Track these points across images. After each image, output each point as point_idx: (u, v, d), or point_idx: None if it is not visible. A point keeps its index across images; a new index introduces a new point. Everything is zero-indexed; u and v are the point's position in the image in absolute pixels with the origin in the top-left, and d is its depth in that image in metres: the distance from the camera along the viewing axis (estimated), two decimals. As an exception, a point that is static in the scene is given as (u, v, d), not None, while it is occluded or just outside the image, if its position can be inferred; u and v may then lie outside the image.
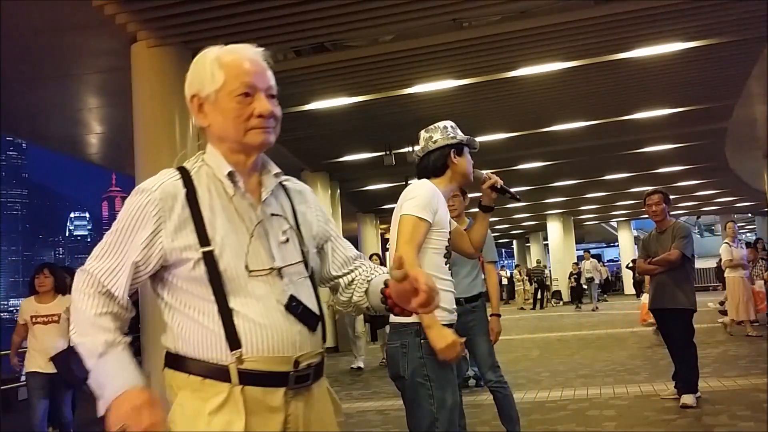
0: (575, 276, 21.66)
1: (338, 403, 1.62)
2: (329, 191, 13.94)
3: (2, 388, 7.96)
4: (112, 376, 1.37)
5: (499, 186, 2.97)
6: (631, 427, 4.91)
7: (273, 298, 1.47)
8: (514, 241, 39.16)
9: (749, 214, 35.50)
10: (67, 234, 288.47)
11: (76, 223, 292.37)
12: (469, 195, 4.72)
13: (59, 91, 8.66)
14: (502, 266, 30.81)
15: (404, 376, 2.62)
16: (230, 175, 1.50)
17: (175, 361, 1.47)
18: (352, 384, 8.44)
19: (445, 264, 2.74)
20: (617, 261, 32.26)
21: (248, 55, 1.52)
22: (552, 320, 16.76)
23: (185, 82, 1.56)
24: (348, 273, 1.72)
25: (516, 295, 26.03)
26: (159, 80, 6.64)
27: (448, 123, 2.99)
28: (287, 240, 1.55)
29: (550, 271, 26.98)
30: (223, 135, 1.51)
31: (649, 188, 5.98)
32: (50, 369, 5.19)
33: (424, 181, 2.85)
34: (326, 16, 6.33)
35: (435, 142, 2.93)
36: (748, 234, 37.54)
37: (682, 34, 7.68)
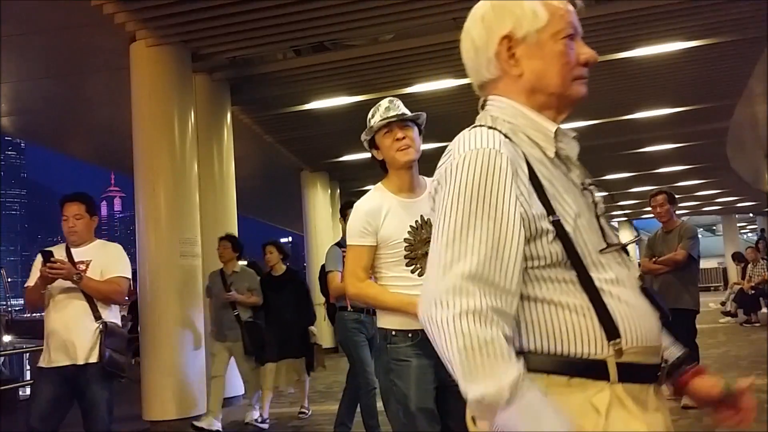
0: None
1: None
2: (329, 191, 13.92)
3: (2, 388, 7.91)
4: (549, 418, 1.05)
5: None
6: (631, 428, 4.89)
7: (631, 277, 1.24)
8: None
9: (750, 214, 35.52)
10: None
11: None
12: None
13: (59, 90, 8.66)
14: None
15: (379, 378, 2.73)
16: (557, 134, 1.25)
17: (526, 361, 1.12)
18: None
19: (413, 272, 2.51)
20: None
21: None
22: (552, 320, 16.71)
23: (479, 22, 1.28)
24: None
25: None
26: (158, 80, 6.64)
27: (386, 100, 2.64)
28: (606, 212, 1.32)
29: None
30: (541, 85, 1.25)
31: (654, 188, 5.94)
32: None
33: (358, 203, 2.63)
34: (326, 15, 6.33)
35: (371, 128, 2.63)
36: (750, 234, 37.54)
37: (682, 34, 7.67)
